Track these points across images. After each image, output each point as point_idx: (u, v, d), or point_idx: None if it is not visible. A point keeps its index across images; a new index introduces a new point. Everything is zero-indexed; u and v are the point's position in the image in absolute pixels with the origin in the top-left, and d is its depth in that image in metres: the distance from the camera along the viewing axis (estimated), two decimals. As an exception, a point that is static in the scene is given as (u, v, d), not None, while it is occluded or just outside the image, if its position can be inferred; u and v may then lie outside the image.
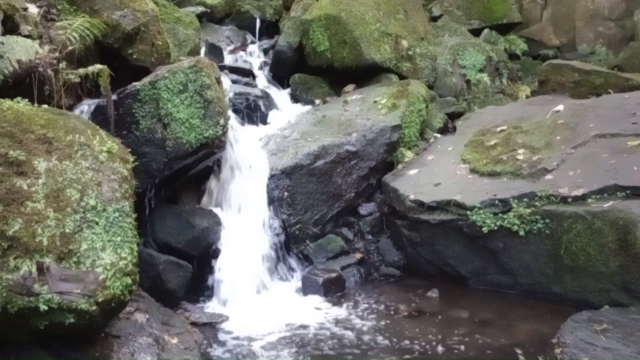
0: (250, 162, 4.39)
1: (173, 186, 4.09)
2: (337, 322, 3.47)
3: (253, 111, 5.30)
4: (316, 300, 3.84)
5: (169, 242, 3.88)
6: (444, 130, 5.52)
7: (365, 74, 5.80)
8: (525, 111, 4.96)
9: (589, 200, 3.45)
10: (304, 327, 3.40)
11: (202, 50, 6.24)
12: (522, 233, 3.61)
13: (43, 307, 2.41)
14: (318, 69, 5.99)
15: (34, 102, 3.06)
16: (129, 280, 2.63)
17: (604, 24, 9.14)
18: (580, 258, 3.43)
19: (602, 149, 3.85)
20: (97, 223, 2.66)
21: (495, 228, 3.70)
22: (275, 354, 3.05)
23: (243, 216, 4.23)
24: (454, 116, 5.80)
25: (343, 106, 5.24)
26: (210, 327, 3.41)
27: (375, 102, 5.13)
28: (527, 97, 6.62)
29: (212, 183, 4.26)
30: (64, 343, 2.66)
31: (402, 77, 5.81)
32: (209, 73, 3.92)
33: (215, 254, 3.96)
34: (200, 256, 3.94)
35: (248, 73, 6.03)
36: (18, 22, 3.51)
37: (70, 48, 3.64)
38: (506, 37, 8.50)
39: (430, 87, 6.09)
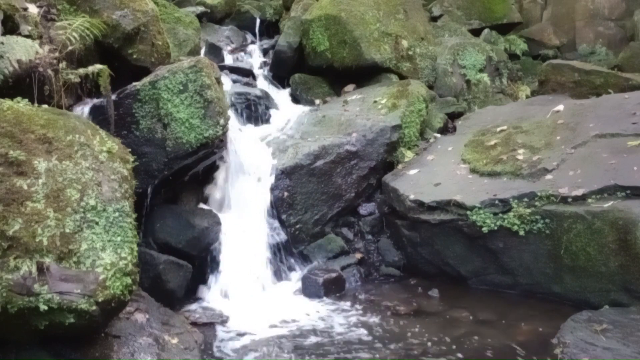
0: (250, 162, 4.39)
1: (173, 186, 4.10)
2: (336, 322, 3.47)
3: (253, 111, 5.30)
4: (316, 300, 3.84)
5: (169, 242, 3.88)
6: (444, 130, 5.52)
7: (365, 74, 5.80)
8: (525, 111, 4.96)
9: (589, 200, 3.45)
10: (304, 327, 3.40)
11: (202, 50, 6.25)
12: (522, 233, 3.61)
13: (43, 307, 2.41)
14: (318, 69, 5.99)
15: (34, 102, 3.06)
16: (129, 280, 2.63)
17: (604, 24, 9.15)
18: (580, 258, 3.43)
19: (602, 149, 3.85)
20: (97, 223, 2.66)
21: (495, 228, 3.70)
22: (275, 354, 3.05)
23: (243, 216, 4.23)
24: (454, 116, 5.80)
25: (343, 106, 5.24)
26: (210, 327, 3.41)
27: (375, 102, 5.13)
28: (527, 97, 6.62)
29: (212, 183, 4.26)
30: (64, 343, 2.66)
31: (402, 77, 5.82)
32: (209, 73, 3.92)
33: (215, 254, 3.96)
34: (200, 256, 3.94)
35: (248, 73, 6.03)
36: (18, 22, 3.51)
37: (70, 48, 3.64)
38: (506, 37, 8.50)
39: (430, 87, 6.09)
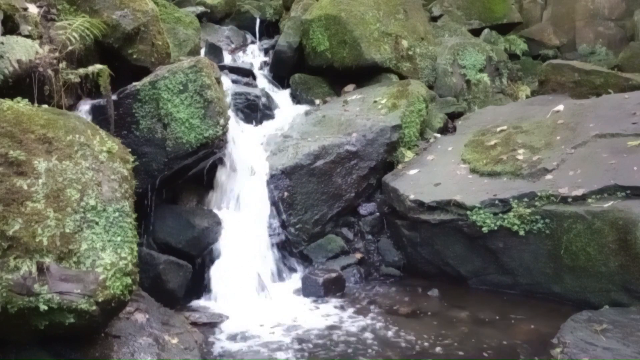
0: (250, 162, 4.39)
1: (173, 186, 4.10)
2: (337, 322, 3.47)
3: (253, 111, 5.30)
4: (316, 300, 3.84)
5: (169, 242, 3.88)
6: (444, 130, 5.52)
7: (365, 74, 5.80)
8: (525, 111, 4.96)
9: (589, 200, 3.45)
10: (304, 327, 3.40)
11: (202, 50, 6.25)
12: (522, 233, 3.61)
13: (43, 307, 2.41)
14: (318, 69, 5.99)
15: (34, 102, 3.06)
16: (129, 280, 2.63)
17: (604, 24, 9.14)
18: (580, 258, 3.43)
19: (602, 149, 3.85)
20: (97, 223, 2.66)
21: (495, 228, 3.70)
22: (275, 354, 3.05)
23: (243, 216, 4.23)
24: (454, 116, 5.80)
25: (343, 106, 5.24)
26: (210, 327, 3.41)
27: (375, 102, 5.13)
28: (527, 97, 6.62)
29: (212, 183, 4.26)
30: (64, 343, 2.66)
31: (402, 77, 5.82)
32: (209, 73, 3.92)
33: (216, 254, 3.96)
34: (200, 256, 3.94)
35: (248, 73, 6.03)
36: (18, 22, 3.51)
37: (70, 48, 3.64)
38: (506, 37, 8.50)
39: (430, 87, 6.09)
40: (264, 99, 5.44)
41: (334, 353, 3.05)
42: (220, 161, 4.20)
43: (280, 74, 6.28)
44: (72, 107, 3.66)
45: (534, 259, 3.64)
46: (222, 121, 3.88)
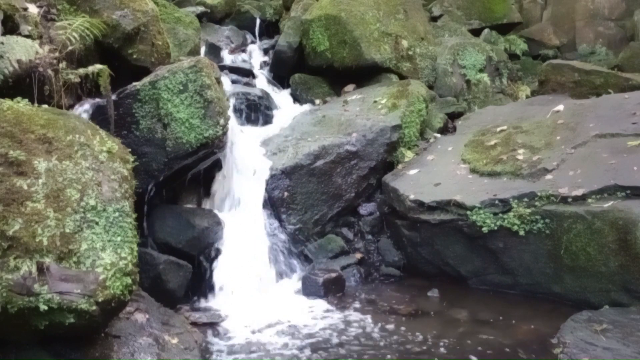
0: (250, 163, 4.39)
1: (173, 186, 4.10)
2: (336, 322, 3.47)
3: (253, 111, 5.30)
4: (316, 300, 3.83)
5: (169, 242, 3.88)
6: (444, 130, 5.52)
7: (365, 74, 5.80)
8: (525, 111, 4.96)
9: (589, 200, 3.45)
10: (304, 327, 3.40)
11: (202, 50, 6.24)
12: (522, 233, 3.61)
13: (43, 307, 2.41)
14: (318, 69, 5.99)
15: (34, 102, 3.06)
16: (129, 280, 2.63)
17: (604, 24, 9.14)
18: (580, 258, 3.43)
19: (602, 149, 3.85)
20: (97, 223, 2.66)
21: (495, 228, 3.70)
22: (275, 354, 3.05)
23: (243, 216, 4.23)
24: (454, 116, 5.80)
25: (343, 106, 5.24)
26: (210, 327, 3.41)
27: (375, 102, 5.13)
28: (527, 97, 6.62)
29: (213, 183, 4.26)
30: (64, 343, 2.66)
31: (402, 77, 5.82)
32: (209, 73, 3.92)
33: (216, 254, 3.96)
34: (200, 256, 3.94)
35: (248, 73, 6.03)
36: (18, 22, 3.51)
37: (70, 48, 3.64)
38: (506, 37, 8.50)
39: (430, 87, 6.10)
40: (264, 99, 5.44)
41: (333, 353, 3.05)
42: (220, 161, 4.20)
43: (280, 74, 6.28)
44: (72, 107, 3.66)
45: (534, 259, 3.64)
46: (222, 121, 3.88)
